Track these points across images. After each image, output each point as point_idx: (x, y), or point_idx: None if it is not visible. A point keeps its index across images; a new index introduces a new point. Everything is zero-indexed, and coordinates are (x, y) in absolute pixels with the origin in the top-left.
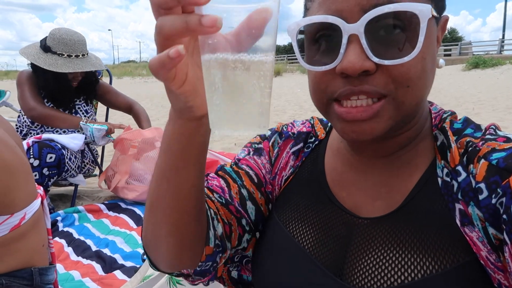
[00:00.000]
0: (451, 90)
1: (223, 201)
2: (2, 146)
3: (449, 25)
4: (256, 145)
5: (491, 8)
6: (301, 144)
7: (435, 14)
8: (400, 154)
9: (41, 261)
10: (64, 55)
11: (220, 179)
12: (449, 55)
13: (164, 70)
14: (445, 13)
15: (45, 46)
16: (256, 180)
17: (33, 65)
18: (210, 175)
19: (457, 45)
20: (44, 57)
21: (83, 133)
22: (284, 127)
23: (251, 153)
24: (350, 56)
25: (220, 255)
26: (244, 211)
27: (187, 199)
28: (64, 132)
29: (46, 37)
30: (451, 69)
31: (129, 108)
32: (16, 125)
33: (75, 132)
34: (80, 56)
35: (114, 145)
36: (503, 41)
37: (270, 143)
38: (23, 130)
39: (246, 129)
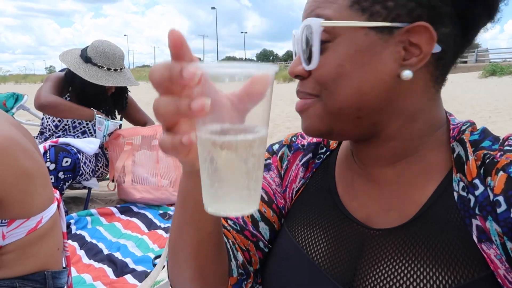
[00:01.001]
0: (466, 98)
1: (238, 228)
2: (21, 151)
3: None
4: (264, 162)
5: (509, 15)
6: (310, 155)
7: (370, 25)
8: (407, 164)
9: (55, 265)
10: (104, 67)
11: None
12: (465, 62)
13: (175, 152)
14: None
15: (86, 57)
16: (266, 199)
17: (69, 72)
18: None
19: (473, 52)
20: (84, 67)
21: (94, 135)
22: (293, 139)
23: None
24: (292, 63)
25: (245, 282)
26: (259, 233)
27: (206, 246)
28: (85, 137)
29: (87, 47)
30: (467, 77)
31: (143, 124)
32: (42, 124)
33: (87, 129)
34: (118, 70)
35: (106, 143)
36: None
37: (278, 157)
38: (46, 133)
39: (233, 210)
